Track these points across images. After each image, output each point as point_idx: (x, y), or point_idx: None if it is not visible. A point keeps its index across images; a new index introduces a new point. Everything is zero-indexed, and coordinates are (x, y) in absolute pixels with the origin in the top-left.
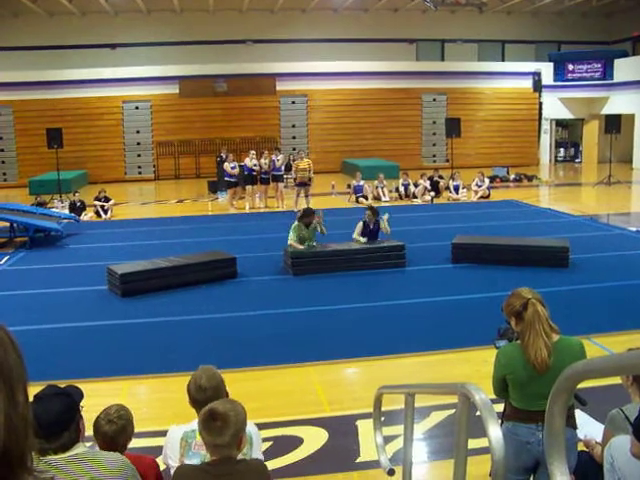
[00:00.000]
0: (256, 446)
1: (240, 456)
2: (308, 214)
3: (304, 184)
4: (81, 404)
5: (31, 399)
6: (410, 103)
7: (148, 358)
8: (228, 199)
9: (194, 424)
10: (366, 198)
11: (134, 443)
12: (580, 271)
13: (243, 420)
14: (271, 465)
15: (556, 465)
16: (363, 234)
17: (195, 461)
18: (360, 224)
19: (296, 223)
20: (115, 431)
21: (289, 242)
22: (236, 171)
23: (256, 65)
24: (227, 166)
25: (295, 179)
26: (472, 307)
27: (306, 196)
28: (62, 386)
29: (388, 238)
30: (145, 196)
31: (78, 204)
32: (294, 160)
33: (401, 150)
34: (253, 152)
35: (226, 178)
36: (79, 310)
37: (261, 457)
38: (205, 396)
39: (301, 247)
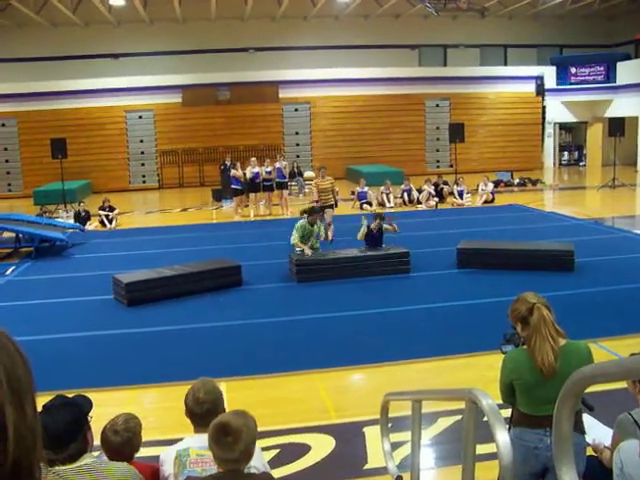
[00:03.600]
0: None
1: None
2: (314, 212)
3: (327, 207)
4: (90, 414)
5: (39, 409)
6: (413, 109)
7: (154, 367)
8: (234, 207)
9: (186, 442)
10: (370, 204)
11: (140, 452)
12: (585, 275)
13: (254, 434)
14: (279, 473)
15: (565, 470)
16: (366, 240)
17: None
18: (364, 228)
19: (301, 222)
20: (120, 442)
21: (292, 241)
22: (242, 177)
23: (258, 73)
24: (236, 173)
25: (317, 201)
26: (478, 312)
27: (329, 224)
28: (71, 396)
29: (392, 244)
30: (149, 205)
31: (83, 214)
32: (300, 172)
33: (405, 156)
34: (254, 160)
35: (233, 185)
36: (85, 320)
37: (265, 467)
38: (202, 409)
39: (305, 247)
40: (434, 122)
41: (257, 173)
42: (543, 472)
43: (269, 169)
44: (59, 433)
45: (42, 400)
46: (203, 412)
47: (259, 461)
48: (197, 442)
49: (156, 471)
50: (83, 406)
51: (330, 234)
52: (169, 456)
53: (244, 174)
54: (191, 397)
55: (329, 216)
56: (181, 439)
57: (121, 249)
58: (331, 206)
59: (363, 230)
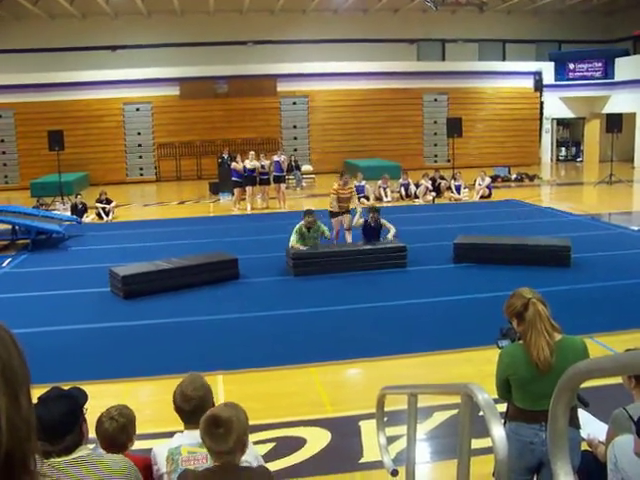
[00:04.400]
0: (248, 458)
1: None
2: (308, 214)
3: (340, 214)
4: (85, 406)
5: (35, 401)
6: (411, 103)
7: (151, 360)
8: (234, 200)
9: (176, 440)
10: (367, 199)
11: (135, 445)
12: (582, 270)
13: (245, 424)
14: (274, 466)
15: (560, 465)
16: (364, 233)
17: None
18: (361, 220)
19: (299, 225)
20: (115, 429)
21: (290, 244)
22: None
23: (257, 66)
24: (236, 165)
25: (332, 209)
26: (474, 307)
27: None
28: (66, 388)
29: (390, 238)
30: (147, 198)
31: (80, 206)
32: (298, 165)
33: (402, 150)
34: (252, 153)
35: (234, 178)
36: (81, 312)
37: (259, 460)
38: (191, 406)
39: (303, 248)
40: (432, 117)
41: (244, 167)
42: (538, 467)
43: (263, 163)
44: (54, 425)
45: (38, 392)
46: (191, 409)
47: (251, 455)
48: (188, 439)
49: (148, 463)
50: (78, 398)
51: (349, 238)
52: (161, 454)
53: (244, 167)
54: (179, 394)
55: (348, 220)
56: (177, 432)
57: (118, 242)
58: (348, 211)
59: (358, 218)
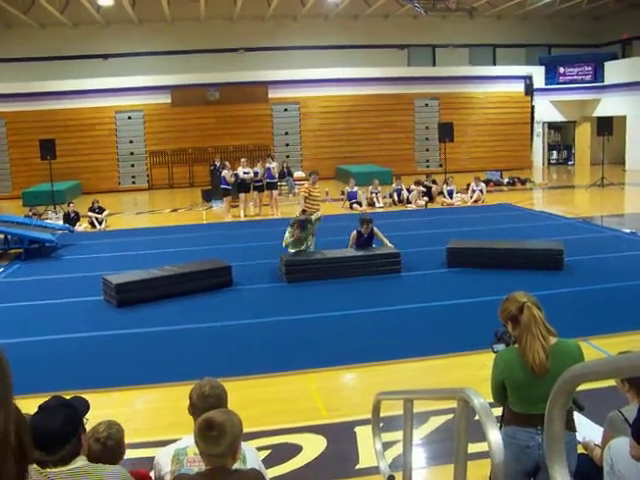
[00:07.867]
0: (251, 465)
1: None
2: (302, 226)
3: (317, 219)
4: (86, 417)
5: (35, 410)
6: (402, 108)
7: (144, 368)
8: (225, 207)
9: (184, 441)
10: (360, 204)
11: (130, 454)
12: (575, 273)
13: (239, 430)
14: (270, 473)
15: (556, 468)
16: (357, 242)
17: None
18: (354, 234)
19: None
20: (102, 451)
21: (285, 242)
22: (232, 179)
23: (248, 73)
24: (227, 174)
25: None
26: (468, 311)
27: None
28: (67, 397)
29: (388, 245)
30: (139, 206)
31: (72, 215)
32: (290, 172)
33: (394, 156)
34: (244, 160)
35: (222, 186)
36: (75, 321)
37: (261, 468)
38: (206, 404)
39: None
40: (423, 122)
41: (236, 174)
42: (535, 470)
43: (256, 170)
44: (54, 434)
45: (31, 402)
46: (206, 407)
47: (254, 463)
48: None
49: (145, 476)
50: (78, 408)
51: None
52: (167, 454)
53: (235, 174)
54: (196, 391)
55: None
56: (172, 440)
57: (111, 250)
58: (319, 218)
59: (353, 236)
